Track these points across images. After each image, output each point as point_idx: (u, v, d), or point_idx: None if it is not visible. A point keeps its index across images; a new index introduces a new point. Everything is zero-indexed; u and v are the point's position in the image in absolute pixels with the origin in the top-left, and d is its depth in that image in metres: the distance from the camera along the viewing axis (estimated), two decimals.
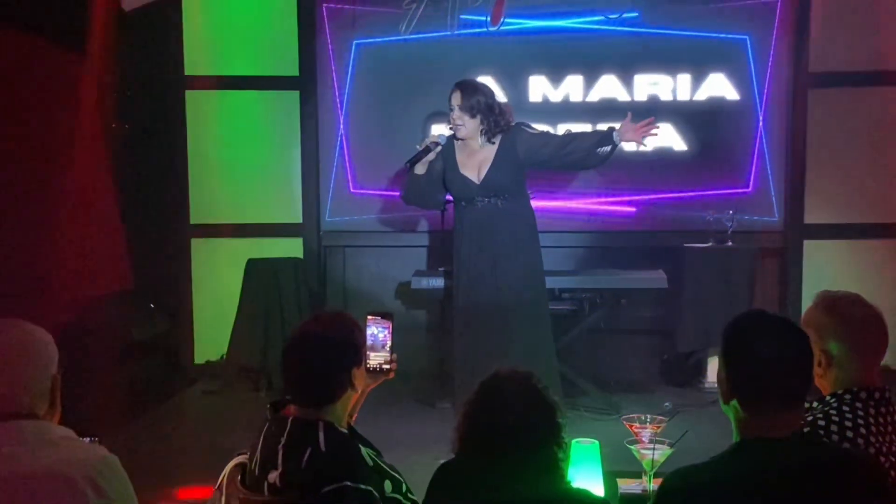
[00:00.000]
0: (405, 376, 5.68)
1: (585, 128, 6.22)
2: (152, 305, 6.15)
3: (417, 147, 4.74)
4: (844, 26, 6.07)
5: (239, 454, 2.59)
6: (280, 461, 2.27)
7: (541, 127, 6.12)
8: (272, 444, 2.31)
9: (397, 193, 6.23)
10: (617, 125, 4.68)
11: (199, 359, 6.38)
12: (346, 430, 2.36)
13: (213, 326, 6.27)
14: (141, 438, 5.03)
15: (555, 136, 4.92)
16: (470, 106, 4.66)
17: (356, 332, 2.40)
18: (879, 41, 6.03)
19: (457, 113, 4.68)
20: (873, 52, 6.05)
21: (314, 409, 2.32)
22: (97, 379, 5.24)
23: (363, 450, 2.33)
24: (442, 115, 5.56)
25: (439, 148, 4.73)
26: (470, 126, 4.68)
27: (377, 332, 2.64)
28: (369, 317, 2.64)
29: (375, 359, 2.63)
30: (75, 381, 5.02)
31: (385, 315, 2.66)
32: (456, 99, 4.68)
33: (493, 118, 4.71)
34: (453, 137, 4.80)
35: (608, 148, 4.67)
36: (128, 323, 5.78)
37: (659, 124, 4.77)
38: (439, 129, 4.97)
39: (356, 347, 2.39)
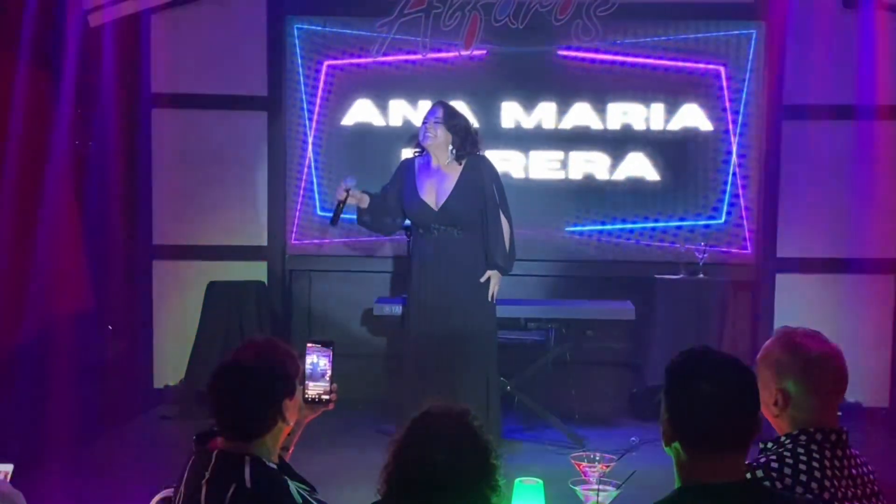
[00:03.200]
0: (365, 404, 5.63)
1: (558, 155, 6.23)
2: (110, 327, 5.99)
3: (339, 198, 4.76)
4: (819, 59, 6.03)
5: (165, 488, 2.48)
6: (203, 497, 2.15)
7: (513, 154, 6.16)
8: (196, 478, 2.19)
9: None
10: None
11: (158, 383, 6.23)
12: (275, 465, 2.23)
13: (173, 350, 6.12)
14: (89, 463, 4.90)
15: (497, 213, 4.84)
16: (449, 124, 4.68)
17: (288, 360, 2.28)
18: (854, 75, 6.00)
19: (431, 123, 4.71)
20: (847, 86, 6.02)
21: (242, 443, 2.21)
22: (51, 400, 5.12)
23: (292, 485, 2.21)
24: (413, 139, 5.48)
25: (353, 188, 4.72)
26: (441, 138, 4.73)
27: (317, 360, 2.52)
28: (309, 344, 2.52)
29: (314, 389, 2.51)
30: (29, 402, 4.94)
31: (325, 343, 2.54)
32: (437, 112, 4.75)
33: (469, 139, 4.75)
34: (419, 153, 4.81)
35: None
36: (85, 344, 5.63)
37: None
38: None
39: (288, 377, 2.27)
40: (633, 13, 6.09)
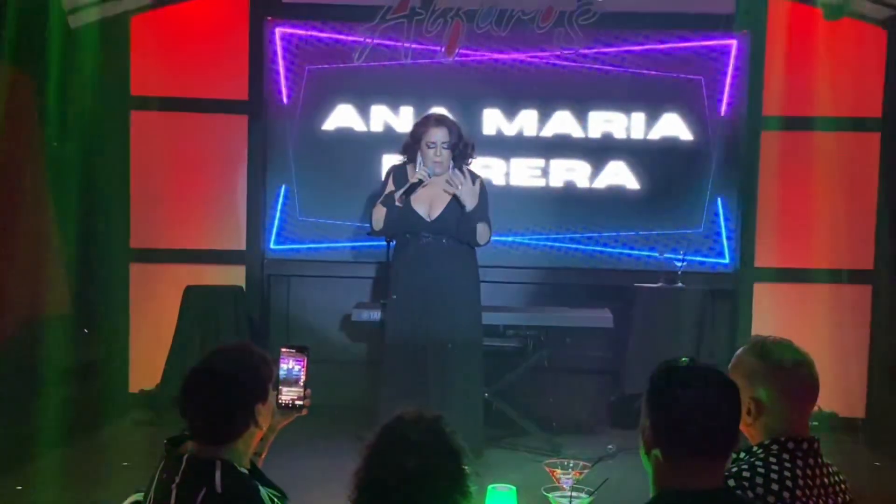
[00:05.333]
0: (343, 410, 5.60)
1: (539, 163, 6.25)
2: (86, 330, 5.93)
3: (413, 181, 4.63)
4: (799, 70, 6.08)
5: (136, 492, 2.46)
6: (173, 502, 2.14)
7: (494, 161, 6.17)
8: (167, 482, 2.18)
9: (345, 222, 6.18)
10: None
11: (134, 387, 6.18)
12: (246, 471, 2.22)
13: (150, 354, 6.06)
14: (64, 467, 4.86)
15: (479, 213, 4.82)
16: (453, 143, 4.64)
17: (261, 364, 2.27)
18: (832, 86, 6.04)
19: (439, 150, 4.63)
20: (826, 97, 6.05)
21: (213, 447, 2.19)
22: (26, 404, 5.07)
23: (263, 491, 2.19)
24: (394, 145, 5.46)
25: (425, 184, 4.66)
26: (447, 163, 4.68)
27: (292, 365, 2.52)
28: (283, 350, 2.52)
29: (288, 394, 2.50)
30: (3, 405, 4.89)
31: (300, 348, 2.53)
32: (442, 136, 4.65)
33: (466, 152, 4.74)
34: (406, 161, 4.77)
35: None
36: (59, 347, 5.57)
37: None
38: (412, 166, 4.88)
39: (260, 382, 2.26)
40: (614, 23, 6.11)
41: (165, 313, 5.96)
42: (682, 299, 5.83)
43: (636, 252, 6.24)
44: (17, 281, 5.35)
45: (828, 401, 5.85)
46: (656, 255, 6.16)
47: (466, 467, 1.89)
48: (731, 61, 6.19)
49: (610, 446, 5.16)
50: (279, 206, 6.29)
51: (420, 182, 4.63)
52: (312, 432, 5.05)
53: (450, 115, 5.23)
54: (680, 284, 5.88)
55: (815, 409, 5.88)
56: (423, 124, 4.74)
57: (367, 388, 5.82)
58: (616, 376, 6.02)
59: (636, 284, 5.96)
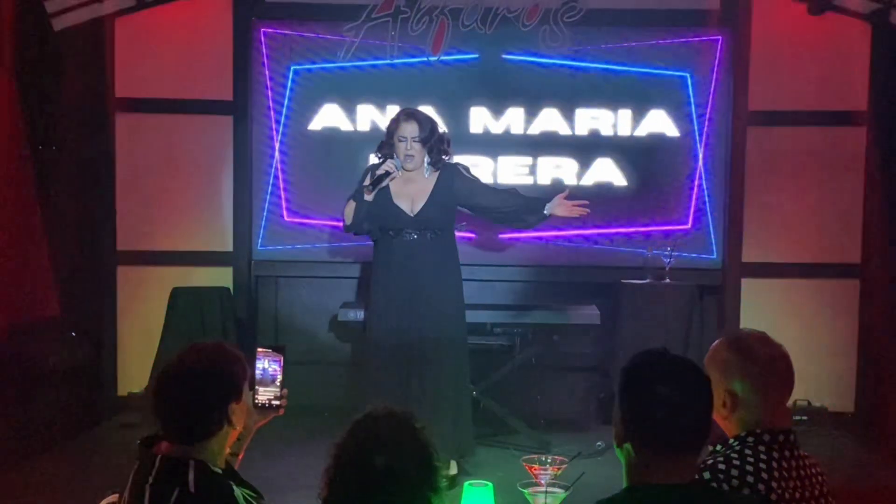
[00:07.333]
0: (331, 411, 5.58)
1: (526, 160, 6.24)
2: (73, 333, 5.91)
3: (378, 172, 4.59)
4: (784, 66, 6.09)
5: (112, 493, 2.45)
6: (147, 502, 2.12)
7: (482, 159, 6.16)
8: (140, 483, 2.16)
9: (333, 222, 6.16)
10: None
11: (122, 390, 6.16)
12: (220, 470, 2.21)
13: (137, 357, 6.05)
14: (51, 470, 4.86)
15: (493, 188, 4.83)
16: (424, 137, 4.59)
17: (235, 364, 2.26)
18: (818, 81, 6.05)
19: (410, 144, 4.59)
20: (812, 92, 6.07)
21: (186, 447, 2.18)
22: (13, 407, 5.06)
23: (238, 490, 2.18)
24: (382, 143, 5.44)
25: (393, 177, 4.62)
26: (419, 157, 4.63)
27: (267, 365, 2.51)
28: (259, 350, 2.51)
29: (265, 394, 2.49)
30: None
31: (277, 348, 2.52)
32: (411, 130, 4.59)
33: (441, 147, 4.69)
34: (382, 159, 4.72)
35: (536, 216, 4.76)
36: (47, 351, 5.56)
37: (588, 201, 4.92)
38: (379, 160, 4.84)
39: (233, 381, 2.24)
40: (599, 20, 6.11)
41: (153, 315, 5.95)
42: (669, 295, 5.84)
43: (624, 248, 6.23)
44: (4, 284, 5.33)
45: (818, 395, 5.85)
46: (644, 251, 6.16)
47: (437, 464, 1.88)
48: (717, 57, 6.19)
49: (599, 443, 5.15)
50: (266, 207, 6.28)
51: (387, 174, 4.60)
52: (299, 432, 5.05)
53: (433, 111, 5.20)
54: (667, 280, 5.89)
55: (805, 403, 5.92)
56: (394, 120, 4.71)
57: (354, 389, 5.81)
58: (604, 373, 6.01)
59: (623, 281, 5.95)
